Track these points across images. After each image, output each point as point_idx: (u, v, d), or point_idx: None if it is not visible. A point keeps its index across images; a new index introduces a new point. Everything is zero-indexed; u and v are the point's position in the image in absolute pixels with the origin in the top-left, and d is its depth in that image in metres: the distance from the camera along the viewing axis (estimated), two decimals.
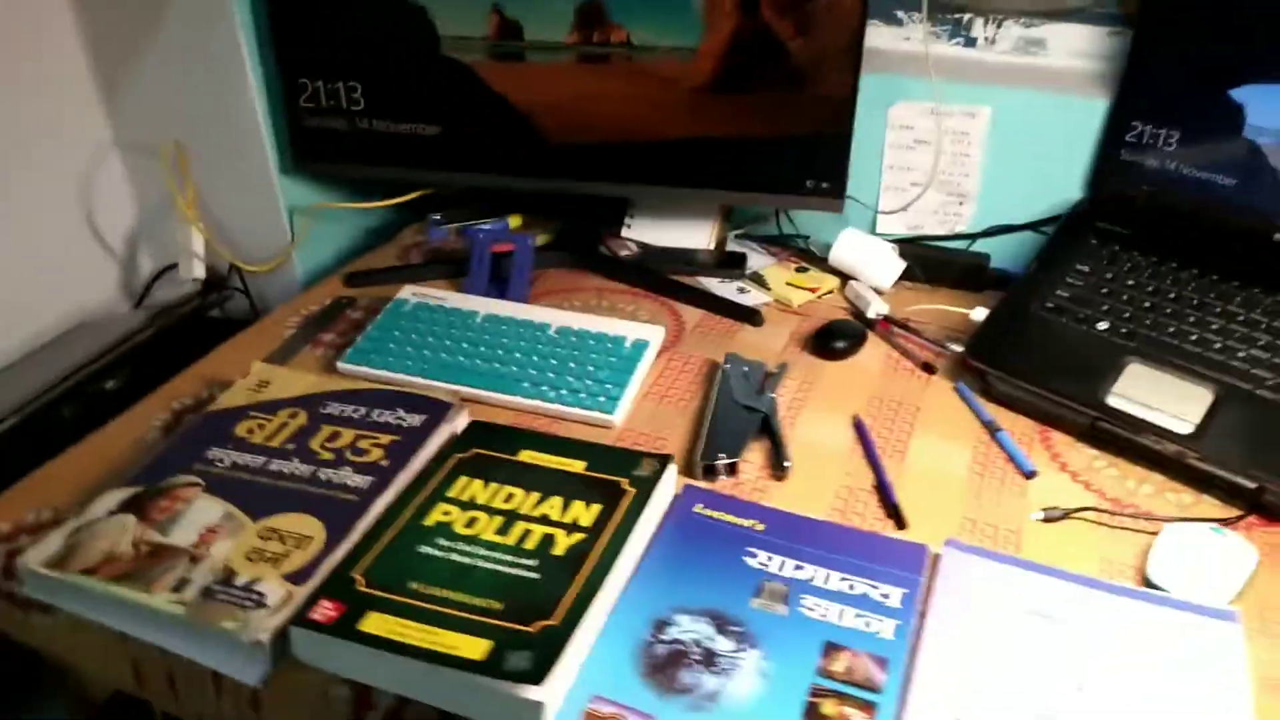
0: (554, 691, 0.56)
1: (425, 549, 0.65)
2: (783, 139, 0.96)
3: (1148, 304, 0.85)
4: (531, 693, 0.55)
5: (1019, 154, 1.01)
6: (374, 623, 0.59)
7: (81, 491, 0.74)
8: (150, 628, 0.63)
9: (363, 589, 0.62)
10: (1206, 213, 0.89)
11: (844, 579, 0.66)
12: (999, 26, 0.99)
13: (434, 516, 0.68)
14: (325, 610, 0.60)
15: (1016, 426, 0.84)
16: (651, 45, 0.94)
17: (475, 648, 0.57)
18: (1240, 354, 0.79)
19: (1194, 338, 0.82)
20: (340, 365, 0.90)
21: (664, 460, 0.73)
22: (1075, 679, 0.59)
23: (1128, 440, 0.79)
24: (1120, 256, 0.90)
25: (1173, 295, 0.86)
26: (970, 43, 1.01)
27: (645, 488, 0.70)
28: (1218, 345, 0.81)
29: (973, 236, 1.05)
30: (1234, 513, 0.74)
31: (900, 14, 1.02)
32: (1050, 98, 0.97)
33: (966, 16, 1.00)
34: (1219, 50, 0.85)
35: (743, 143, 0.98)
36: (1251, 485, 0.73)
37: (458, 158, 1.05)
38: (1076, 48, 0.96)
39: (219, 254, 1.14)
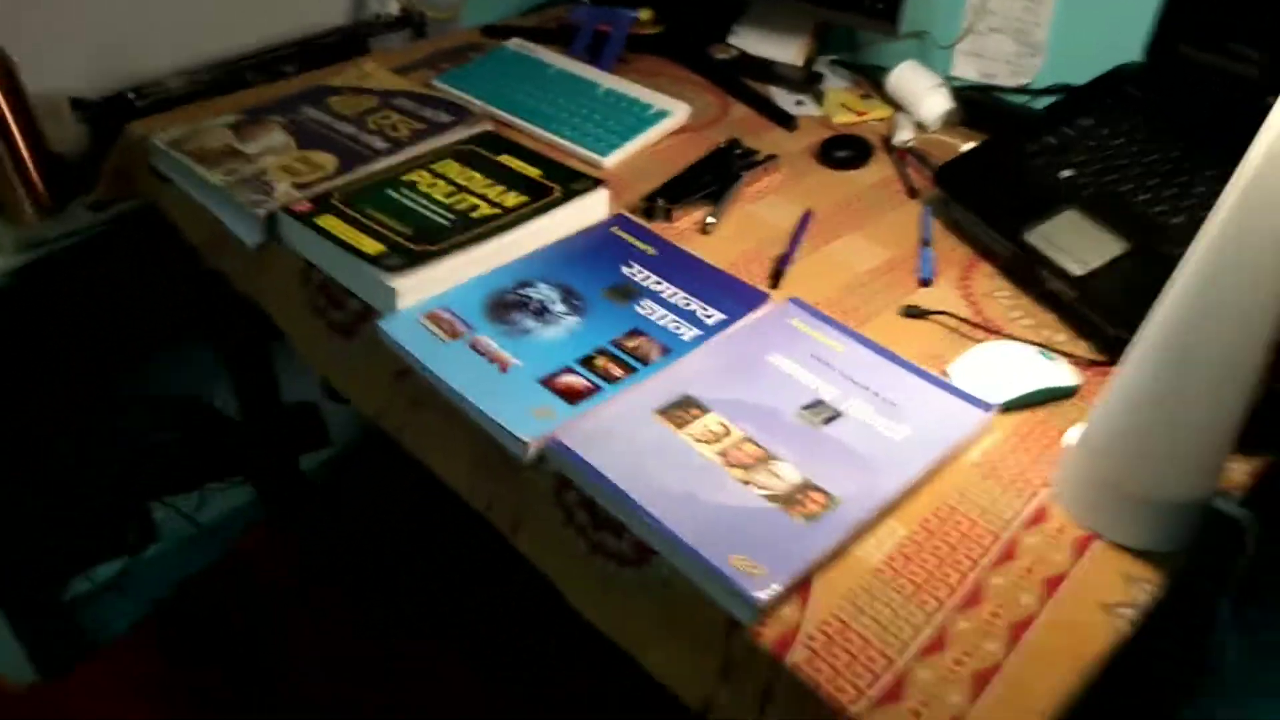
0: (405, 286, 0.76)
1: (390, 192, 0.87)
2: None
3: (1124, 162, 0.85)
4: (388, 279, 0.75)
5: (1090, 8, 0.98)
6: (325, 220, 0.82)
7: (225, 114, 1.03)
8: (207, 195, 0.91)
9: (333, 201, 0.85)
10: (1230, 97, 0.84)
11: (686, 297, 0.79)
12: None
13: (411, 177, 0.89)
14: (301, 205, 0.84)
15: (954, 253, 0.89)
16: None
17: (374, 248, 0.78)
18: (1176, 220, 0.78)
19: (1143, 198, 0.81)
20: (433, 81, 1.12)
21: (596, 183, 0.88)
22: (810, 399, 0.69)
23: (1032, 277, 0.82)
24: (1128, 120, 0.88)
25: (1151, 159, 0.84)
26: None
27: (569, 196, 0.86)
28: (1163, 209, 0.80)
29: (1035, 92, 1.04)
30: (1099, 360, 0.76)
31: None
32: None
33: None
34: None
35: None
36: (1113, 333, 0.75)
37: None
38: None
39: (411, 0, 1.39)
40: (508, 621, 1.13)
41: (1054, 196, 0.85)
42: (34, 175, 1.08)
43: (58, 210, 1.10)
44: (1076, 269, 0.78)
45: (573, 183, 0.88)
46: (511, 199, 0.86)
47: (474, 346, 0.73)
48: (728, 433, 0.67)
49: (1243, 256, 0.52)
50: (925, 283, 0.84)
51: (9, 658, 1.20)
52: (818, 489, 0.62)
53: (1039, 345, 0.76)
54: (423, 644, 1.03)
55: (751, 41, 1.22)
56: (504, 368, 0.72)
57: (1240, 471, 0.67)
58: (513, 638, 1.12)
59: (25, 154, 1.06)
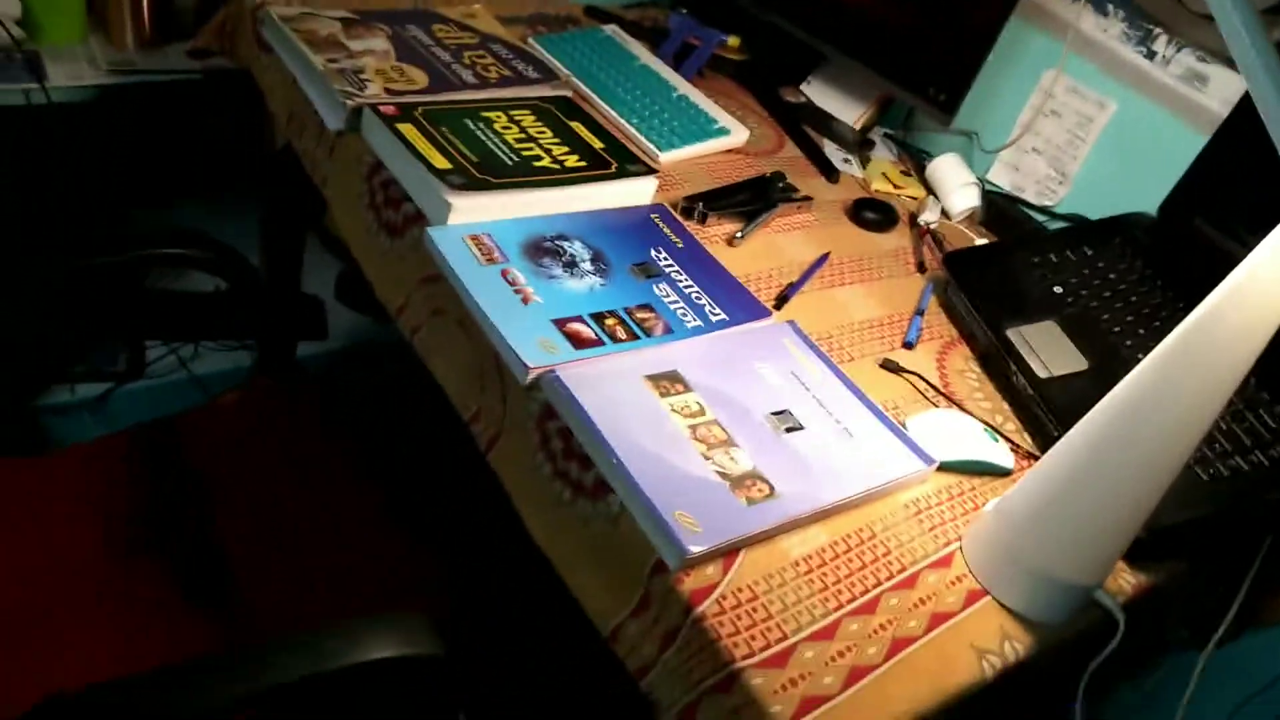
0: (460, 205, 0.84)
1: (468, 121, 0.94)
2: (928, 42, 1.11)
3: (1108, 294, 0.94)
4: (447, 194, 0.83)
5: (1124, 157, 1.08)
6: (405, 127, 0.90)
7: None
8: (304, 74, 0.98)
9: (416, 113, 0.92)
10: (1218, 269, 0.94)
11: (698, 292, 0.87)
12: (1179, 50, 1.06)
13: (490, 114, 0.97)
14: (387, 108, 0.92)
15: (941, 329, 0.98)
16: None
17: (441, 163, 0.86)
18: (1136, 355, 0.87)
19: (1115, 329, 0.90)
20: (530, 40, 1.20)
21: (649, 170, 0.96)
22: (780, 408, 0.77)
23: (1001, 369, 0.91)
24: (1125, 261, 0.98)
25: (1133, 299, 0.93)
26: (1150, 55, 1.08)
27: (622, 174, 0.95)
28: (1130, 343, 0.89)
29: (1054, 215, 1.14)
30: (1037, 454, 0.85)
31: (1109, 6, 1.11)
32: (1171, 119, 1.03)
33: (1158, 31, 1.07)
34: None
35: (900, 34, 1.13)
36: (1056, 434, 0.83)
37: None
38: (1230, 96, 1.01)
39: None
40: (467, 532, 1.19)
41: (1040, 306, 0.94)
42: (144, 7, 1.15)
43: (155, 46, 1.17)
44: (1040, 371, 0.87)
45: (629, 164, 0.97)
46: (572, 160, 0.94)
47: (504, 275, 0.81)
48: (702, 412, 0.75)
49: (1163, 399, 0.61)
50: (908, 345, 0.93)
51: None
52: (765, 480, 0.70)
53: (989, 425, 0.84)
54: (379, 537, 1.09)
55: (820, 93, 1.31)
56: (525, 300, 0.79)
57: (1126, 580, 0.76)
58: (469, 546, 1.18)
59: None
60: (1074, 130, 1.12)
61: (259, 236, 1.38)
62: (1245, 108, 0.96)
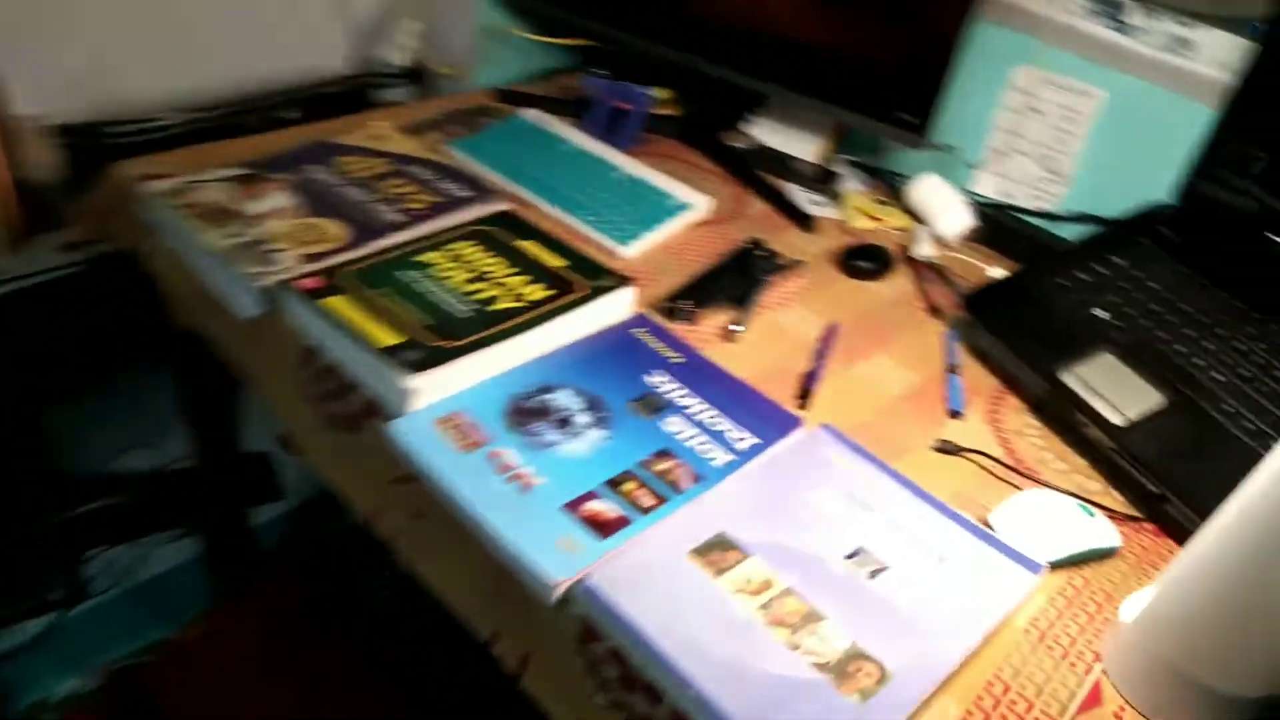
0: (423, 386, 0.70)
1: (405, 274, 0.81)
2: (883, 62, 1.00)
3: (1157, 308, 0.84)
4: (403, 378, 0.69)
5: (1122, 145, 0.98)
6: (335, 302, 0.76)
7: (223, 165, 0.96)
8: (200, 257, 0.84)
9: (345, 279, 0.79)
10: (1270, 246, 0.85)
11: (715, 415, 0.75)
12: (1152, 18, 0.96)
13: (427, 257, 0.84)
14: (309, 281, 0.78)
15: (981, 381, 0.86)
16: None
17: (388, 338, 0.73)
18: (1217, 376, 0.77)
19: (1181, 349, 0.80)
20: (446, 147, 1.07)
21: (623, 280, 0.84)
22: (853, 547, 0.65)
23: (1065, 419, 0.80)
24: (1162, 264, 0.88)
25: (1186, 309, 0.83)
26: (1121, 27, 0.98)
27: (595, 294, 0.82)
28: (1200, 362, 0.79)
29: (1057, 218, 1.04)
30: (1134, 515, 0.74)
31: None
32: (1166, 95, 0.93)
33: (1126, 2, 0.97)
34: None
35: (848, 57, 1.03)
36: (1155, 490, 0.73)
37: (612, 11, 1.17)
38: (1223, 58, 0.92)
39: (420, 53, 1.34)
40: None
41: (1086, 336, 0.83)
42: (7, 205, 0.99)
43: (28, 241, 1.02)
44: (1117, 419, 0.76)
45: (599, 279, 0.84)
46: (535, 292, 0.81)
47: (492, 459, 0.68)
48: (769, 584, 0.62)
49: None
50: (955, 414, 0.82)
51: None
52: (868, 658, 0.58)
53: (1077, 497, 0.73)
54: None
55: (768, 132, 1.20)
56: (526, 486, 0.66)
57: None
58: None
59: None
60: (1060, 125, 1.02)
61: (182, 409, 1.22)
62: (1256, 66, 0.86)
